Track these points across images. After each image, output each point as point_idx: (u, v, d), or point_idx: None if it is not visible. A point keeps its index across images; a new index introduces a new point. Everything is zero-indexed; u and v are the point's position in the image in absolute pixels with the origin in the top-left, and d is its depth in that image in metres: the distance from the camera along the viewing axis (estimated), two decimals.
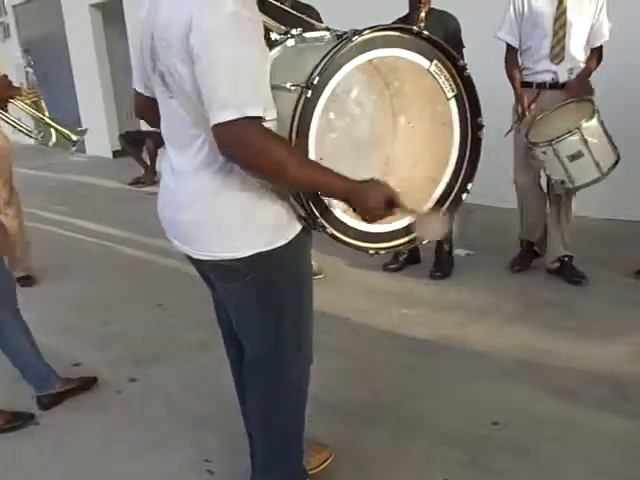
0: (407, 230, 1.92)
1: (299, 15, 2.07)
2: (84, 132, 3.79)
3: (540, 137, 3.54)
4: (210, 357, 3.15)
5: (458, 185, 1.96)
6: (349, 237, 1.82)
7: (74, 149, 3.74)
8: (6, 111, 3.49)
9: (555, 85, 3.73)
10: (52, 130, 3.68)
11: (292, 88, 1.63)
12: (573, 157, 3.41)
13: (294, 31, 1.87)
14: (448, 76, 1.84)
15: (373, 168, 1.90)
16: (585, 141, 3.38)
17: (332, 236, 1.78)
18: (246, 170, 1.60)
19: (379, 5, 4.05)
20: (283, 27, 1.86)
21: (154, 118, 1.90)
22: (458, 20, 3.81)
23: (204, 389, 2.99)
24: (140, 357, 3.38)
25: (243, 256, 1.73)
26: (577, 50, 3.68)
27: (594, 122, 3.41)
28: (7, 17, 12.37)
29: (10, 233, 4.29)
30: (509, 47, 3.85)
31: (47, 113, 3.70)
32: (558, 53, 3.65)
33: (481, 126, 1.92)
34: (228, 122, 1.50)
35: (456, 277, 4.17)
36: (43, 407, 2.93)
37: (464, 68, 1.85)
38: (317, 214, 1.73)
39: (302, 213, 1.77)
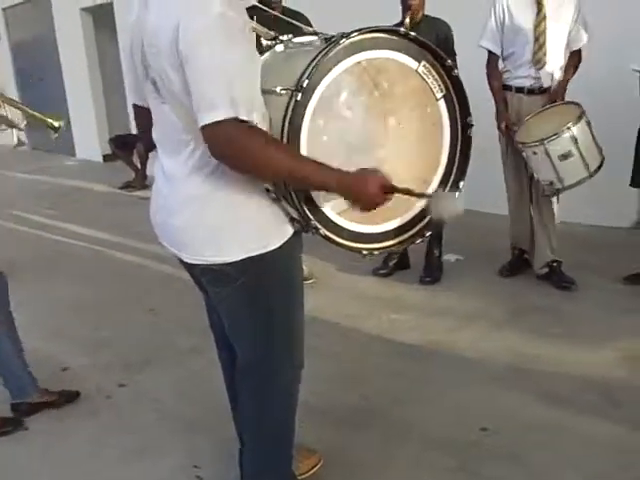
0: (399, 230, 1.94)
1: (288, 20, 2.09)
2: (60, 116, 3.76)
3: (529, 138, 3.58)
4: (201, 362, 3.15)
5: (450, 184, 1.99)
6: (342, 238, 1.84)
7: (56, 135, 3.71)
8: None
9: (533, 91, 3.81)
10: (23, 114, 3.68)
11: (282, 92, 1.64)
12: (564, 156, 3.45)
13: (283, 36, 1.89)
14: (437, 76, 1.87)
15: None
16: (575, 140, 3.43)
17: (325, 237, 1.79)
18: (237, 170, 1.61)
19: (371, 13, 4.06)
20: (272, 33, 1.88)
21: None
22: (451, 27, 3.84)
23: (195, 394, 2.99)
24: (130, 362, 3.37)
25: (234, 260, 1.73)
26: (558, 55, 3.75)
27: (583, 123, 3.47)
28: None
29: None
30: (490, 54, 3.94)
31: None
32: (540, 59, 3.74)
33: (471, 125, 1.94)
34: (215, 123, 1.50)
35: (446, 282, 4.19)
36: (19, 415, 2.90)
37: (452, 68, 1.87)
38: (310, 216, 1.74)
39: (295, 215, 1.78)
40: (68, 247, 5.63)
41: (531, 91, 3.81)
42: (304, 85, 1.61)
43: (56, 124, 3.64)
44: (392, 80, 1.88)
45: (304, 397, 2.06)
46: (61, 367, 3.27)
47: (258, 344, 1.91)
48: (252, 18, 1.75)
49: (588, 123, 3.50)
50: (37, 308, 4.08)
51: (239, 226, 1.74)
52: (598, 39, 3.81)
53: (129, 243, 5.45)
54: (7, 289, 2.94)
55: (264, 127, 1.62)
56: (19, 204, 7.28)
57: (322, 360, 3.03)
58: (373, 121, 2.02)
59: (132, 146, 7.97)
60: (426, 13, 3.86)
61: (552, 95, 3.74)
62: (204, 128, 1.52)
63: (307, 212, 1.74)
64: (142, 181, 7.83)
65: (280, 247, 1.78)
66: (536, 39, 3.70)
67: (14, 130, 3.84)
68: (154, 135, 1.85)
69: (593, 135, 3.53)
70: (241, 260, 1.73)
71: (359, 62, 1.75)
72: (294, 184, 1.67)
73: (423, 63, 1.83)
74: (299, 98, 1.61)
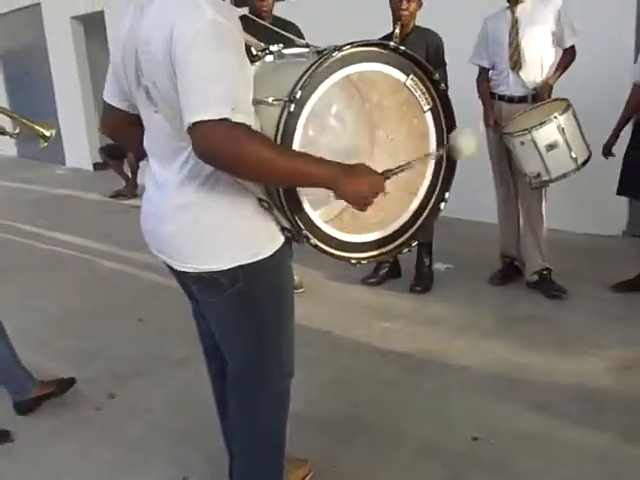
0: (386, 240, 1.96)
1: (279, 31, 2.09)
2: (52, 125, 3.75)
3: (516, 129, 3.62)
4: (191, 372, 3.13)
5: (436, 195, 2.00)
6: (331, 247, 1.85)
7: (45, 144, 3.69)
8: None
9: (513, 99, 3.89)
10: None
11: (274, 102, 1.65)
12: (550, 146, 3.49)
13: (273, 47, 1.90)
14: (424, 89, 1.89)
15: None
16: (562, 130, 3.46)
17: (315, 247, 1.80)
18: (227, 171, 1.60)
19: (363, 23, 4.10)
20: (262, 44, 1.88)
21: (129, 134, 1.93)
22: (441, 38, 3.87)
23: (185, 405, 2.97)
24: (119, 372, 3.35)
25: (225, 268, 1.73)
26: (536, 57, 3.81)
27: (569, 114, 3.52)
28: None
29: None
30: (481, 68, 4.07)
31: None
32: (516, 61, 3.82)
33: None
34: (202, 124, 1.49)
35: (436, 291, 4.19)
36: (21, 412, 2.95)
37: (439, 82, 1.90)
38: (301, 225, 1.74)
39: (286, 224, 1.79)
40: (58, 256, 5.61)
41: (511, 99, 3.90)
42: (297, 96, 1.62)
43: (47, 133, 3.62)
44: (381, 93, 1.90)
45: (294, 406, 2.05)
46: (50, 378, 3.23)
47: (248, 353, 1.90)
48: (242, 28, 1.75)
49: (575, 115, 3.55)
50: (25, 318, 4.06)
51: (230, 234, 1.73)
52: (587, 45, 3.84)
53: (119, 252, 5.44)
54: None
55: None
56: (8, 213, 7.24)
57: (312, 369, 3.03)
58: (362, 133, 2.05)
59: (123, 155, 7.96)
60: (417, 24, 3.89)
61: (540, 94, 3.80)
62: (192, 128, 1.50)
63: (298, 222, 1.74)
64: (133, 190, 7.83)
65: (271, 256, 1.78)
66: (510, 43, 3.82)
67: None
68: (145, 143, 1.85)
69: (580, 128, 3.57)
70: (232, 268, 1.73)
71: (350, 75, 1.77)
72: (286, 181, 1.65)
73: (411, 76, 1.85)
74: (292, 109, 1.62)
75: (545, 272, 3.97)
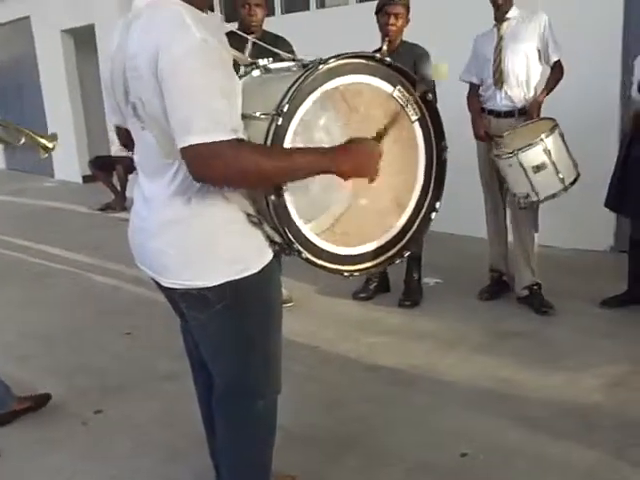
0: (378, 251, 1.96)
1: (265, 46, 2.11)
2: (55, 137, 3.77)
3: (503, 151, 3.66)
4: (179, 387, 3.10)
5: (426, 205, 2.01)
6: (322, 260, 1.84)
7: (46, 155, 3.71)
8: None
9: (500, 113, 3.94)
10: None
11: (262, 117, 1.65)
12: (537, 168, 3.51)
13: (260, 61, 1.91)
14: (411, 100, 1.90)
15: (342, 191, 1.92)
16: (548, 152, 3.48)
17: (307, 260, 1.80)
18: (222, 186, 1.60)
19: (352, 38, 4.13)
20: (249, 59, 1.89)
21: None
22: (428, 52, 3.89)
23: (172, 420, 2.94)
24: (106, 387, 3.32)
25: (213, 285, 1.72)
26: (520, 73, 3.85)
27: (556, 135, 3.54)
28: None
29: None
30: (471, 85, 4.13)
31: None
32: (498, 78, 3.89)
33: (445, 148, 1.98)
34: (196, 145, 1.49)
35: (425, 306, 4.19)
36: (1, 425, 2.93)
37: (426, 92, 1.92)
38: (293, 239, 1.74)
39: (277, 239, 1.78)
40: (45, 269, 5.57)
41: (499, 114, 3.95)
42: (285, 110, 1.63)
43: (50, 145, 3.65)
44: (369, 104, 1.91)
45: (281, 422, 2.04)
46: (35, 393, 3.20)
47: (235, 369, 1.89)
48: (230, 44, 1.76)
49: (562, 136, 3.58)
50: (11, 331, 4.03)
51: (219, 250, 1.73)
52: (577, 61, 3.87)
53: (107, 265, 5.41)
54: None
55: None
56: None
57: (300, 384, 3.01)
58: None
59: (112, 168, 7.96)
60: (405, 39, 3.92)
61: (530, 113, 3.84)
62: (186, 149, 1.51)
63: (290, 236, 1.74)
64: (122, 203, 7.81)
65: (259, 271, 1.77)
66: (494, 61, 3.89)
67: None
68: (135, 158, 1.85)
69: (567, 148, 3.60)
70: (220, 285, 1.73)
71: (337, 87, 1.78)
72: (297, 177, 1.66)
73: (398, 87, 1.87)
74: (280, 122, 1.63)
75: (535, 287, 3.98)
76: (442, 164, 2.00)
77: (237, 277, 1.73)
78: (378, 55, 1.83)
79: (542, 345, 3.51)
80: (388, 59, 1.84)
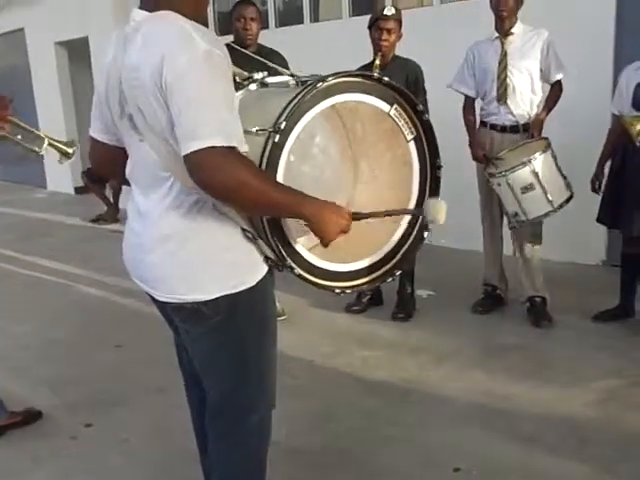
0: (370, 269, 1.97)
1: (263, 61, 2.11)
2: (74, 142, 3.79)
3: (496, 170, 3.67)
4: (170, 400, 3.08)
5: (419, 224, 2.01)
6: (315, 276, 1.85)
7: (64, 160, 3.73)
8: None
9: (505, 128, 3.92)
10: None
11: (259, 133, 1.65)
12: (526, 189, 3.52)
13: (256, 75, 1.91)
14: (407, 119, 1.92)
15: None
16: (536, 174, 3.49)
17: (299, 276, 1.80)
18: (219, 198, 1.60)
19: (345, 52, 4.15)
20: (245, 73, 1.89)
21: (115, 168, 1.91)
22: (421, 68, 3.91)
23: (163, 434, 2.92)
24: (97, 401, 3.30)
25: (208, 299, 1.72)
26: (524, 91, 3.86)
27: (547, 156, 3.54)
28: None
29: None
30: (466, 97, 4.11)
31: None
32: (502, 95, 3.88)
33: (440, 166, 1.99)
34: (201, 150, 1.49)
35: (418, 319, 4.18)
36: None
37: (423, 112, 1.92)
38: (286, 256, 1.74)
39: (270, 255, 1.78)
40: (36, 281, 5.54)
41: (504, 128, 3.92)
42: (282, 127, 1.63)
43: (70, 150, 3.67)
44: (365, 122, 1.92)
45: (274, 436, 2.03)
46: (24, 407, 3.17)
47: (230, 383, 1.87)
48: None
49: (554, 157, 3.58)
50: (1, 344, 3.99)
51: (213, 265, 1.72)
52: (569, 74, 3.90)
53: (99, 277, 5.38)
54: None
55: None
56: None
57: (293, 398, 2.99)
58: (346, 163, 2.06)
59: (105, 179, 7.92)
60: (398, 54, 3.93)
61: (531, 130, 3.83)
62: (191, 155, 1.50)
63: (283, 252, 1.74)
64: (114, 214, 7.79)
65: (254, 285, 1.76)
66: (498, 76, 3.87)
67: None
68: (128, 172, 1.84)
69: (559, 168, 3.60)
70: (215, 299, 1.72)
71: (334, 105, 1.79)
72: (271, 213, 1.67)
73: (395, 106, 1.88)
74: (277, 139, 1.63)
75: (537, 299, 3.98)
76: (436, 181, 2.01)
77: (232, 291, 1.72)
78: (376, 74, 1.84)
79: (535, 359, 3.51)
80: (386, 78, 1.84)
